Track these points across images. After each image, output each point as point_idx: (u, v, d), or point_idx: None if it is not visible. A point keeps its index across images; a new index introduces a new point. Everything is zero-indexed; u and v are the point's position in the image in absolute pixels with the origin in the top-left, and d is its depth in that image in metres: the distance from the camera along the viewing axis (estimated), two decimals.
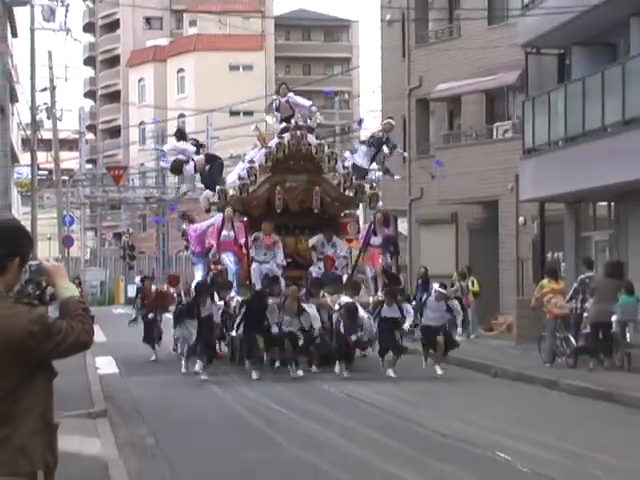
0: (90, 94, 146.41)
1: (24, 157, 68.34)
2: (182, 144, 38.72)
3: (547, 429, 22.94)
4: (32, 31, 61.00)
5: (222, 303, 33.03)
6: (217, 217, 35.46)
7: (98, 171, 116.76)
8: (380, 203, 38.52)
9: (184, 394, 28.90)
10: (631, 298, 32.94)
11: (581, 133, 38.80)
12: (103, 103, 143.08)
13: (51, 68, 76.23)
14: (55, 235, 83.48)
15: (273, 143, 33.89)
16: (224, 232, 33.30)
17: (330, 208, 34.87)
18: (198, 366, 30.60)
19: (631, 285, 33.60)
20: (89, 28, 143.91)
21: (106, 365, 35.49)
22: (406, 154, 47.08)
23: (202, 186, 40.82)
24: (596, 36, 41.32)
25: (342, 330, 31.52)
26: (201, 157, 37.70)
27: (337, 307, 33.22)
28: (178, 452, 20.01)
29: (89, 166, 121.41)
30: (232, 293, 34.33)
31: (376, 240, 34.28)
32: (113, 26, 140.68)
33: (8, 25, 48.99)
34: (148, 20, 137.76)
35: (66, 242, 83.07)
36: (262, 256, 33.03)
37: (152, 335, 39.34)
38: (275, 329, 31.79)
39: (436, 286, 34.24)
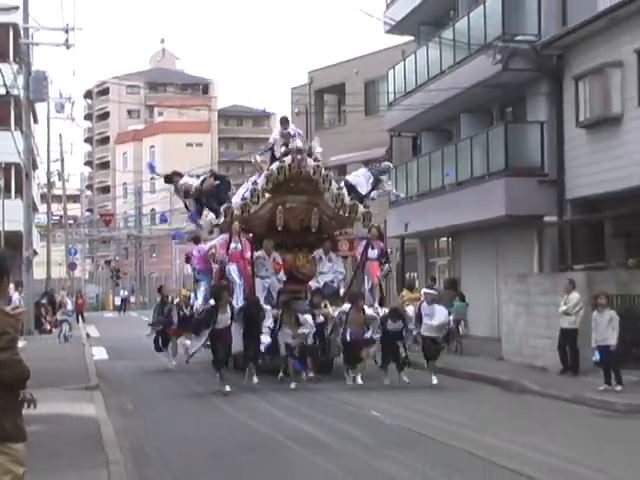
0: (88, 163, 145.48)
1: (42, 207, 67.83)
2: (187, 179, 32.02)
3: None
4: (48, 119, 61.35)
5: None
6: (220, 238, 29.02)
7: (94, 217, 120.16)
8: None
9: (156, 374, 28.69)
10: (463, 304, 35.27)
11: (428, 191, 39.18)
12: (97, 170, 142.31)
13: (61, 145, 76.20)
14: (64, 262, 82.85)
15: (275, 166, 28.46)
16: (232, 244, 27.45)
17: (327, 227, 29.23)
18: (228, 387, 22.89)
19: (463, 295, 35.98)
20: (88, 117, 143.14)
21: (99, 353, 35.28)
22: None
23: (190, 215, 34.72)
24: (438, 125, 42.01)
25: (350, 336, 24.70)
26: (212, 180, 30.84)
27: (336, 314, 26.41)
28: (151, 413, 20.15)
29: (87, 214, 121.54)
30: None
31: (373, 253, 28.81)
32: (105, 116, 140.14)
33: (31, 115, 48.78)
34: (129, 112, 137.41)
35: (71, 267, 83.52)
36: (264, 272, 27.56)
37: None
38: (267, 338, 25.21)
39: (423, 290, 27.32)
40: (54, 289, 58.94)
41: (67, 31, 44.32)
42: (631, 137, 28.34)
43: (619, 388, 22.05)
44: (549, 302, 26.65)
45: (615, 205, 29.44)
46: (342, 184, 30.21)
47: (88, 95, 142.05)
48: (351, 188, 30.32)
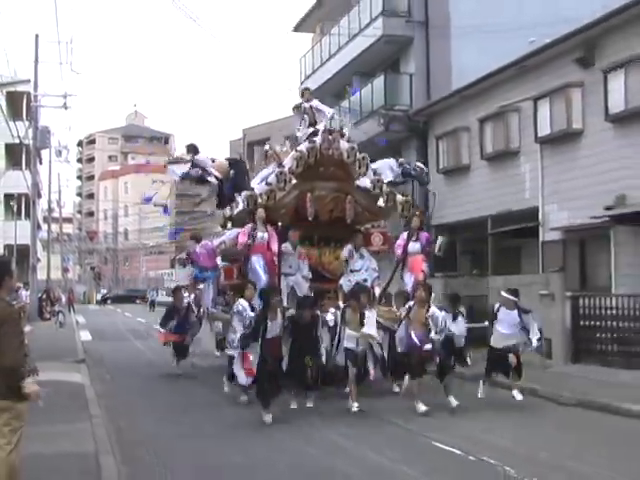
0: (79, 194, 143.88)
1: (44, 226, 67.21)
2: (202, 157, 21.18)
3: None
4: (50, 162, 61.65)
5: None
6: (233, 232, 19.35)
7: (82, 234, 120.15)
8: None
9: (128, 351, 28.46)
10: None
11: None
12: (85, 199, 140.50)
13: (59, 181, 76.37)
14: (60, 267, 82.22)
15: (304, 147, 18.71)
16: (259, 233, 17.71)
17: (360, 218, 19.26)
18: (268, 417, 13.40)
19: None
20: (79, 160, 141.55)
21: (85, 335, 34.80)
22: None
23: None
24: None
25: (416, 341, 14.27)
26: (223, 161, 21.69)
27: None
28: (124, 380, 19.91)
29: (77, 231, 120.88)
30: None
31: (414, 246, 18.45)
32: (91, 160, 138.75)
33: (37, 159, 49.65)
34: (110, 157, 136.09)
35: (65, 271, 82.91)
36: (287, 268, 17.77)
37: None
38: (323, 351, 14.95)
39: (503, 293, 15.96)
40: (52, 287, 58.48)
41: (65, 97, 45.27)
42: (475, 181, 28.80)
43: None
44: None
45: (464, 230, 29.75)
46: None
47: (80, 144, 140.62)
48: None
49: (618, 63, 21.87)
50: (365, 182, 18.73)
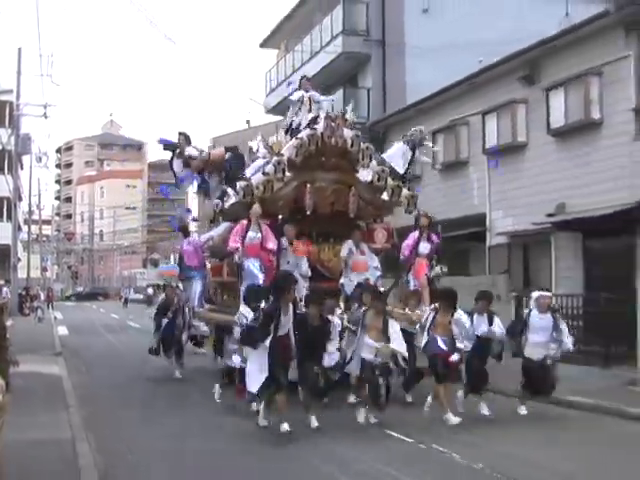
0: (57, 198, 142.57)
1: (25, 228, 66.47)
2: (191, 150, 18.34)
3: None
4: (30, 167, 60.77)
5: None
6: (221, 227, 17.42)
7: (60, 235, 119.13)
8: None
9: (102, 344, 28.25)
10: None
11: None
12: (63, 202, 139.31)
13: (39, 185, 75.00)
14: (39, 266, 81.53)
15: (304, 134, 16.28)
16: (250, 233, 15.24)
17: (362, 212, 16.72)
18: (286, 425, 10.86)
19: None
20: (58, 166, 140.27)
21: (62, 330, 34.45)
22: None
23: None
24: None
25: (443, 347, 12.16)
26: (221, 149, 18.81)
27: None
28: (98, 371, 19.74)
29: (56, 233, 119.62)
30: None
31: (425, 248, 16.22)
32: (69, 165, 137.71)
33: (19, 164, 49.44)
34: (86, 162, 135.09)
35: (44, 270, 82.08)
36: (285, 264, 15.23)
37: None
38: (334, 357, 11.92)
39: (535, 294, 13.22)
40: (32, 285, 58.15)
41: (45, 107, 45.10)
42: (428, 189, 28.77)
43: None
44: None
45: None
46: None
47: (58, 150, 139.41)
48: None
49: (558, 82, 22.14)
50: (368, 174, 16.37)
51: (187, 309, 18.10)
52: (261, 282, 14.30)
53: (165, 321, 18.26)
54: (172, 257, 50.95)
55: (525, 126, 23.83)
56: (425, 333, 12.46)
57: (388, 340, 11.69)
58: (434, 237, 16.42)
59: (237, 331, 12.36)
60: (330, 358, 11.79)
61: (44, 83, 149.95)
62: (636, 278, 18.71)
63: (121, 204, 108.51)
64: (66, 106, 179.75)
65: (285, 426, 10.82)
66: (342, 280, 15.61)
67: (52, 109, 58.74)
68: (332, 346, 11.83)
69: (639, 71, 20.01)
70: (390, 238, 17.34)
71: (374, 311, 11.89)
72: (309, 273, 15.44)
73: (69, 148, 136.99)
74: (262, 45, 45.58)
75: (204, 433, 11.53)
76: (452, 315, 12.27)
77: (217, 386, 14.31)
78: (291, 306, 11.19)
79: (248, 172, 16.69)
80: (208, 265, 18.20)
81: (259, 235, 15.14)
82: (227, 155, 18.02)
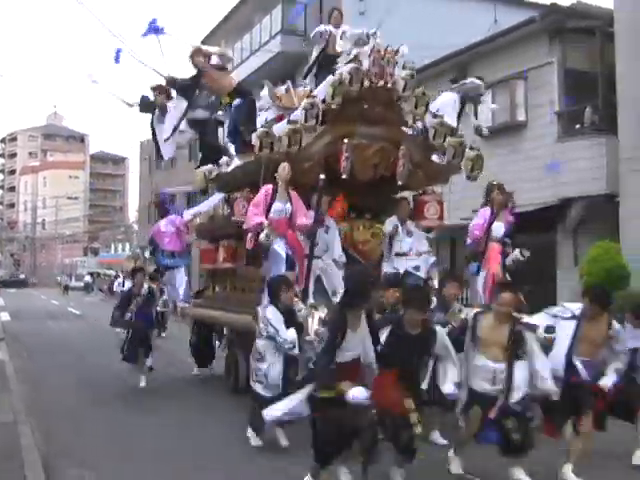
0: (1, 187, 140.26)
1: None
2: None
3: None
4: None
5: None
6: (213, 198, 13.60)
7: (3, 224, 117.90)
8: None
9: (44, 330, 27.84)
10: None
11: None
12: (7, 192, 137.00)
13: None
14: None
15: (346, 70, 11.01)
16: (277, 204, 10.41)
17: (411, 180, 11.78)
18: (283, 440, 8.64)
19: None
20: (1, 155, 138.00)
21: (4, 316, 33.88)
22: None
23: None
24: None
25: (584, 375, 7.36)
26: (232, 79, 13.60)
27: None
28: (39, 356, 19.49)
29: (0, 221, 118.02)
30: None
31: (499, 229, 11.38)
32: (13, 155, 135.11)
33: None
34: (30, 153, 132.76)
35: None
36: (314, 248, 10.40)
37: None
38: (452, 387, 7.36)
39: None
40: None
41: None
42: None
43: None
44: None
45: None
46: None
47: (2, 141, 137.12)
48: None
49: (486, 85, 22.42)
50: (422, 128, 12.14)
51: (163, 303, 15.72)
52: (283, 271, 10.21)
53: (128, 315, 13.80)
54: (112, 246, 50.38)
55: None
56: (553, 351, 7.75)
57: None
58: (508, 217, 11.98)
59: (261, 345, 8.96)
60: (450, 385, 7.52)
61: None
62: (557, 272, 19.12)
63: (63, 194, 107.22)
64: (10, 96, 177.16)
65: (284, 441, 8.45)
66: (385, 268, 11.71)
67: None
68: (451, 370, 7.51)
69: (562, 76, 20.52)
70: (443, 214, 13.16)
71: (495, 317, 7.49)
72: (344, 259, 11.35)
73: (13, 139, 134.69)
74: (203, 42, 45.36)
75: (149, 412, 11.53)
76: (609, 326, 7.78)
77: (250, 431, 9.34)
78: (364, 318, 6.89)
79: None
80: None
81: (289, 206, 10.80)
82: (236, 100, 12.98)
